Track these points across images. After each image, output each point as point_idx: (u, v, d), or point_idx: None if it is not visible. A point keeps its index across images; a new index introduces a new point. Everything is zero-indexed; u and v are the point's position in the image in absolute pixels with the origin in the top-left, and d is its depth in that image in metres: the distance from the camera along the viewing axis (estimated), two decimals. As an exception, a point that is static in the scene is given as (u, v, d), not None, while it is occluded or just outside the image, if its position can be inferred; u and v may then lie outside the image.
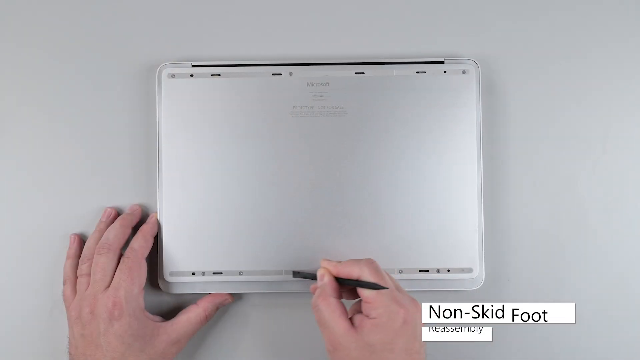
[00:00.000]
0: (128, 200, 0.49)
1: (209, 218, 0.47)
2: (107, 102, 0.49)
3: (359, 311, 0.41)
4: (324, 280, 0.43)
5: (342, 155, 0.47)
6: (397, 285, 0.42)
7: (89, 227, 0.49)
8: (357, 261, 0.42)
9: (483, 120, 0.48)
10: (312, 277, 0.45)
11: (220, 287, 0.48)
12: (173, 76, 0.48)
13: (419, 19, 0.50)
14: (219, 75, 0.48)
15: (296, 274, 0.47)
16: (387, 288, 0.40)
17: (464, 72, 0.48)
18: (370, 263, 0.42)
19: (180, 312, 0.47)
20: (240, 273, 0.47)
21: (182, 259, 0.47)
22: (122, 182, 0.49)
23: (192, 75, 0.48)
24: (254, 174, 0.47)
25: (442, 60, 0.48)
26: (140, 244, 0.46)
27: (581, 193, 0.50)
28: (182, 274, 0.47)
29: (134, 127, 0.49)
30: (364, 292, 0.41)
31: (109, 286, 0.44)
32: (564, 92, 0.50)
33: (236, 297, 0.50)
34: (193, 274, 0.47)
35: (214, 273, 0.47)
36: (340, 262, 0.43)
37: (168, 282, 0.48)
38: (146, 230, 0.47)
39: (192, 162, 0.47)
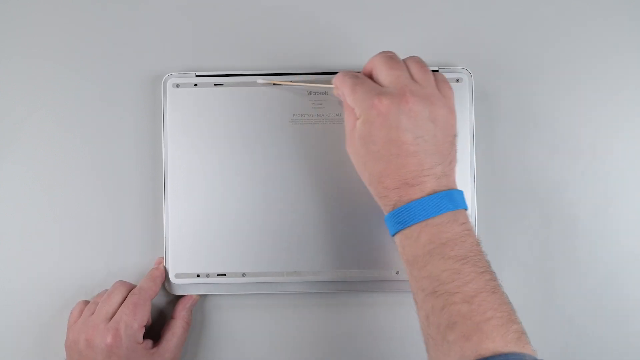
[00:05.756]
0: (135, 204, 0.50)
1: (213, 222, 0.48)
2: (116, 110, 0.51)
3: None
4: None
5: (340, 160, 0.48)
6: (415, 75, 0.40)
7: (97, 228, 0.50)
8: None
9: (476, 126, 0.49)
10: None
11: (224, 288, 0.49)
12: (178, 86, 0.49)
13: (414, 29, 0.51)
14: (222, 84, 0.49)
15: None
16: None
17: (457, 80, 0.48)
18: (382, 54, 0.41)
19: (165, 331, 0.48)
20: (244, 274, 0.48)
21: (187, 261, 0.48)
22: (129, 186, 0.50)
23: (196, 85, 0.49)
24: (256, 179, 0.48)
25: (437, 69, 0.48)
26: (150, 286, 0.47)
27: (571, 197, 0.50)
28: (188, 275, 0.48)
29: (141, 134, 0.50)
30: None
31: (111, 318, 0.45)
32: (555, 100, 0.51)
33: (239, 297, 0.50)
34: (198, 275, 0.48)
35: (218, 275, 0.48)
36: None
37: (174, 284, 0.49)
38: (156, 275, 0.48)
39: (197, 167, 0.48)
